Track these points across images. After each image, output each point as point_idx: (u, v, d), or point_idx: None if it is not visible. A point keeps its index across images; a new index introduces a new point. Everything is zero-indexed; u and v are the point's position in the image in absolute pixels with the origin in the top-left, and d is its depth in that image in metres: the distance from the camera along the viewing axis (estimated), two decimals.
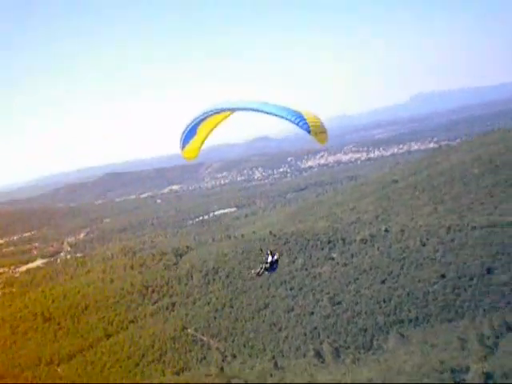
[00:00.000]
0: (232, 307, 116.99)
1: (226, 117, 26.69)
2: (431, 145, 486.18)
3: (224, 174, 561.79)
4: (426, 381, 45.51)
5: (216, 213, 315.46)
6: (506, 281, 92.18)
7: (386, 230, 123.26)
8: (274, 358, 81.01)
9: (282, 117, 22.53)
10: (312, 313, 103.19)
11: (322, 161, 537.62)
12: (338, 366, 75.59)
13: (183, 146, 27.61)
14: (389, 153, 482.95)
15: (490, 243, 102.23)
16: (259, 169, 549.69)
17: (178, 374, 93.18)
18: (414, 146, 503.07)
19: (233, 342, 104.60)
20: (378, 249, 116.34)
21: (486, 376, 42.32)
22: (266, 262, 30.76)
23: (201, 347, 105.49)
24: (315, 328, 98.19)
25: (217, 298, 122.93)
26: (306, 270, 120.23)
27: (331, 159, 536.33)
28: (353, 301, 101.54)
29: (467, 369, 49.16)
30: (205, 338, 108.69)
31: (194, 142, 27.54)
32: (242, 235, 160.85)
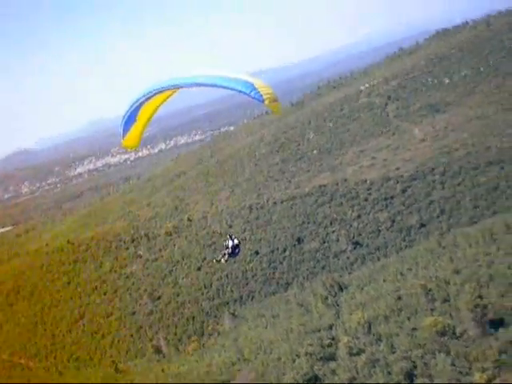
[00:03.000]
0: (45, 323, 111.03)
1: (169, 96, 24.62)
2: (197, 137, 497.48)
3: None
4: (308, 341, 46.30)
5: None
6: (317, 247, 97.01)
7: (189, 219, 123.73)
8: (113, 362, 77.72)
9: (233, 88, 21.42)
10: (133, 313, 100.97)
11: (91, 166, 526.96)
12: (183, 356, 74.70)
13: (123, 134, 25.45)
14: (157, 149, 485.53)
15: (294, 214, 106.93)
16: (25, 183, 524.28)
17: None
18: (181, 140, 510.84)
19: (55, 358, 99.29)
20: (186, 238, 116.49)
21: (358, 322, 44.35)
22: (227, 247, 29.26)
23: (21, 371, 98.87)
24: (141, 327, 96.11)
25: (26, 318, 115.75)
26: (116, 271, 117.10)
27: (100, 163, 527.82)
28: (173, 293, 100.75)
29: (331, 326, 51.05)
30: (23, 361, 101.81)
31: (135, 129, 25.38)
32: (36, 250, 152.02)
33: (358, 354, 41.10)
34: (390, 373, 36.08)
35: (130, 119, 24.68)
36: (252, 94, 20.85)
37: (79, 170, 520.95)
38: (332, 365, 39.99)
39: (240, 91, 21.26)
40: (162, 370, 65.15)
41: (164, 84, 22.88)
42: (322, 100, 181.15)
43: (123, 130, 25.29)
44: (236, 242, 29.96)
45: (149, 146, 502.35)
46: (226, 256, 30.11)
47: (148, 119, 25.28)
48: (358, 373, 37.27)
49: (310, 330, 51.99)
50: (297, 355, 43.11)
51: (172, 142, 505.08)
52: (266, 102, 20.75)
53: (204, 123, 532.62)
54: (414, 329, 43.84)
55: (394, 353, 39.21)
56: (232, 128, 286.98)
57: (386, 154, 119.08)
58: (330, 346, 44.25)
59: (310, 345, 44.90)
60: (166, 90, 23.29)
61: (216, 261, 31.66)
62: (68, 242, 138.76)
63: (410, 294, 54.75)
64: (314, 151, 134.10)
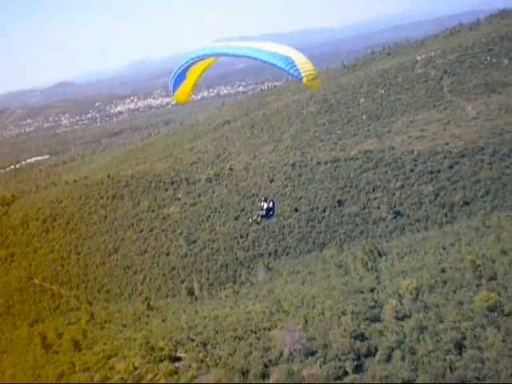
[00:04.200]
0: (79, 254, 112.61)
1: (214, 61, 25.82)
2: (240, 88, 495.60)
3: (28, 121, 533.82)
4: (352, 300, 46.48)
5: (28, 161, 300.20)
6: (357, 211, 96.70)
7: (231, 169, 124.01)
8: (147, 299, 78.84)
9: (272, 63, 21.49)
10: (168, 253, 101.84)
11: (132, 106, 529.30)
12: (215, 301, 75.47)
13: (174, 90, 26.64)
14: (199, 97, 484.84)
15: (337, 177, 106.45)
16: (66, 115, 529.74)
17: (32, 325, 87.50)
18: (224, 90, 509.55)
19: (85, 288, 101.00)
20: (226, 187, 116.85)
21: (406, 288, 44.36)
22: (262, 209, 29.42)
23: (51, 297, 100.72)
24: (173, 268, 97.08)
25: (60, 246, 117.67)
26: (153, 211, 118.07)
27: (141, 104, 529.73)
28: (209, 239, 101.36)
29: (372, 289, 51.22)
30: (54, 287, 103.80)
31: (185, 86, 26.62)
32: (75, 181, 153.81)
33: (404, 318, 41.22)
34: (438, 341, 36.09)
35: (180, 77, 25.90)
36: (291, 70, 20.78)
37: (120, 108, 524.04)
38: (378, 326, 40.16)
39: (279, 67, 21.18)
40: (196, 312, 65.82)
41: (209, 51, 23.99)
42: (375, 65, 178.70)
43: (173, 87, 26.45)
44: (271, 204, 30.00)
45: (191, 93, 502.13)
46: (260, 217, 30.20)
47: (196, 78, 26.61)
48: (405, 337, 37.37)
49: (352, 290, 52.11)
50: (342, 312, 43.28)
51: (215, 91, 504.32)
52: (304, 79, 20.62)
53: (247, 76, 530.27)
54: (461, 302, 43.67)
55: (441, 322, 39.21)
56: (276, 83, 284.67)
57: (436, 127, 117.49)
58: (374, 307, 44.36)
59: (355, 304, 45.05)
60: (210, 56, 24.47)
61: (252, 220, 31.74)
62: (108, 176, 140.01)
63: (455, 268, 54.50)
64: (363, 116, 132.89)
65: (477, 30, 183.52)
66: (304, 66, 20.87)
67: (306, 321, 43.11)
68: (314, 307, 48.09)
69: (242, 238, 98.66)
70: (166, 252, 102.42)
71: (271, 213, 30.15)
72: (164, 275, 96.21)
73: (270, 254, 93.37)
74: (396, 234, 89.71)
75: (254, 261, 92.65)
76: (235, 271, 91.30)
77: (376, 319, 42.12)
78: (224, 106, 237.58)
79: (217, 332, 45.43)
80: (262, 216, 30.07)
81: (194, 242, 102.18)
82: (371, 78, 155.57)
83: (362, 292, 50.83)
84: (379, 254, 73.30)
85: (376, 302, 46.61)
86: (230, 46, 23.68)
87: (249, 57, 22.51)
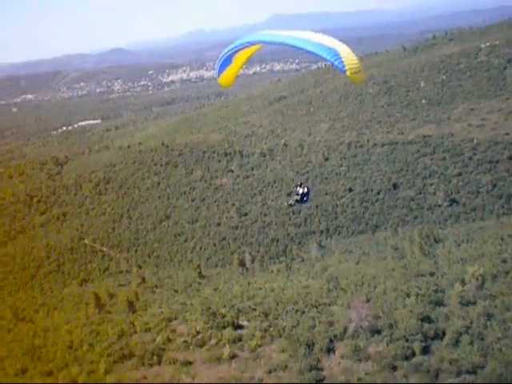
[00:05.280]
0: (130, 218, 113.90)
1: (259, 48, 26.29)
2: (293, 65, 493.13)
3: (81, 84, 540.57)
4: (414, 283, 46.31)
5: (80, 124, 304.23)
6: (412, 196, 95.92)
7: (285, 145, 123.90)
8: (198, 267, 79.60)
9: (317, 54, 21.76)
10: (219, 224, 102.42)
11: (184, 76, 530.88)
12: (267, 274, 75.80)
13: (219, 73, 27.42)
14: (251, 71, 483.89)
15: (394, 160, 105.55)
16: (118, 81, 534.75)
17: (81, 285, 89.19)
18: (277, 66, 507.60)
19: (136, 252, 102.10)
20: (280, 162, 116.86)
21: (472, 274, 43.85)
22: (297, 194, 30.20)
23: (101, 258, 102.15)
24: (224, 238, 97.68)
25: (112, 209, 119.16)
26: (206, 181, 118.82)
27: (193, 74, 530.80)
28: (261, 212, 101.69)
29: (432, 274, 50.78)
30: (105, 249, 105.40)
31: (230, 70, 27.28)
32: (129, 146, 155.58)
33: (468, 304, 40.83)
34: (506, 329, 35.71)
35: (227, 61, 26.40)
36: (336, 62, 21.02)
37: (172, 77, 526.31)
38: (444, 310, 39.91)
39: (324, 58, 21.39)
40: (249, 283, 66.11)
41: (257, 38, 24.58)
42: (437, 50, 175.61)
43: (219, 70, 27.09)
44: (306, 190, 30.51)
45: (244, 68, 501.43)
46: (294, 202, 30.89)
47: (242, 64, 27.08)
48: (472, 322, 37.04)
49: (411, 273, 51.79)
50: (407, 294, 43.07)
51: (267, 67, 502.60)
52: (348, 72, 20.93)
53: (301, 53, 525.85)
54: None
55: (508, 311, 38.74)
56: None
57: (497, 116, 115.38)
58: (437, 291, 44.02)
59: (418, 287, 44.78)
60: (258, 43, 24.99)
61: (287, 204, 32.63)
62: (162, 144, 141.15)
63: None
64: (423, 100, 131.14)
65: None
66: (349, 58, 21.20)
67: (369, 300, 43.03)
68: (375, 287, 47.92)
69: (294, 214, 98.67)
70: (217, 222, 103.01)
71: (305, 198, 30.84)
72: (214, 245, 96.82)
73: (321, 232, 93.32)
74: (451, 222, 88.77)
75: (306, 237, 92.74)
76: (286, 246, 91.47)
77: (440, 303, 41.76)
78: (280, 82, 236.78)
79: (277, 303, 45.64)
80: (297, 201, 30.88)
81: (246, 214, 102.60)
82: (433, 62, 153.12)
83: (423, 276, 50.40)
84: (435, 240, 72.53)
85: (438, 286, 46.21)
86: (276, 34, 24.03)
87: (294, 46, 22.89)
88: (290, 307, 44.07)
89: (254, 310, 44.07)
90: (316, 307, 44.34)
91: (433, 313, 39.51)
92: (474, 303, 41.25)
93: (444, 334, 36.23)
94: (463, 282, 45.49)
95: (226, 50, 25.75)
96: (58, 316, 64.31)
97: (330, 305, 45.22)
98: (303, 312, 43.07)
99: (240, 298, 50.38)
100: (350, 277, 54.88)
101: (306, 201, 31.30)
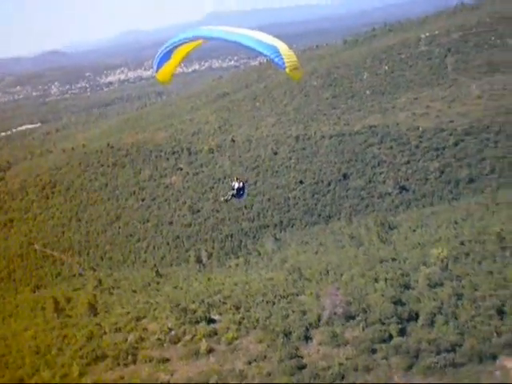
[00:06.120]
0: (80, 221, 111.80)
1: (199, 44, 26.19)
2: (232, 62, 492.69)
3: (18, 88, 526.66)
4: (379, 268, 46.69)
5: (19, 128, 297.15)
6: (363, 185, 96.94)
7: (233, 140, 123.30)
8: (155, 266, 78.77)
9: (258, 51, 21.89)
10: (171, 222, 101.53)
11: (123, 76, 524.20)
12: (225, 269, 75.55)
13: (157, 68, 27.07)
14: (190, 69, 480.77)
15: (342, 151, 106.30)
16: (55, 84, 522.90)
17: (34, 291, 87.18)
18: (216, 64, 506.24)
19: (88, 255, 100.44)
20: (229, 158, 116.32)
21: (437, 257, 44.51)
22: (233, 189, 29.78)
23: (53, 263, 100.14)
24: (178, 237, 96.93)
25: (60, 212, 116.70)
26: (155, 180, 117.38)
27: (131, 74, 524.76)
28: (213, 209, 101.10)
29: (394, 259, 51.41)
30: (56, 254, 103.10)
31: (169, 66, 27.03)
32: (73, 148, 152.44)
33: (435, 286, 41.42)
34: (477, 307, 36.36)
35: (165, 56, 26.21)
36: (276, 59, 21.05)
37: (110, 78, 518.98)
38: (413, 292, 40.39)
39: (264, 54, 21.53)
40: (208, 279, 65.77)
41: (197, 33, 24.47)
42: (377, 42, 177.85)
43: (157, 66, 26.78)
44: (241, 184, 30.37)
45: (183, 66, 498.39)
46: (230, 196, 30.67)
47: (181, 59, 26.90)
48: (443, 303, 37.57)
49: (375, 259, 52.31)
50: (375, 279, 43.47)
51: (206, 64, 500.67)
52: (287, 69, 20.89)
53: (239, 50, 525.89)
54: (490, 272, 43.97)
55: (476, 290, 39.49)
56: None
57: (440, 105, 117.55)
58: (403, 275, 44.53)
59: (385, 272, 45.23)
60: (198, 39, 24.91)
61: (223, 199, 32.29)
62: (108, 144, 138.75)
63: (474, 241, 54.72)
64: (367, 91, 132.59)
65: (480, 9, 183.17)
66: (288, 56, 21.14)
67: (338, 287, 43.21)
68: (341, 275, 48.18)
69: (246, 209, 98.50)
70: (169, 221, 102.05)
71: (241, 192, 30.51)
72: (168, 244, 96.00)
73: (275, 226, 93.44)
74: (402, 209, 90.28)
75: (260, 232, 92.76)
76: (241, 241, 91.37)
77: (408, 286, 42.34)
78: (222, 78, 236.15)
79: (246, 296, 45.43)
80: (233, 195, 30.54)
81: (198, 211, 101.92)
82: (375, 53, 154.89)
83: (386, 261, 50.95)
84: (389, 227, 73.66)
85: (402, 270, 46.78)
86: (217, 30, 24.00)
87: (235, 42, 22.75)
88: (260, 299, 43.90)
89: (225, 303, 43.82)
90: (285, 298, 44.35)
91: (403, 296, 39.95)
92: (441, 284, 41.91)
93: (417, 315, 36.75)
94: (427, 266, 46.19)
95: (165, 46, 25.61)
96: (14, 323, 62.78)
97: (297, 295, 45.30)
98: (273, 303, 43.03)
99: (207, 293, 49.96)
100: (314, 266, 55.11)
101: (242, 195, 30.85)
